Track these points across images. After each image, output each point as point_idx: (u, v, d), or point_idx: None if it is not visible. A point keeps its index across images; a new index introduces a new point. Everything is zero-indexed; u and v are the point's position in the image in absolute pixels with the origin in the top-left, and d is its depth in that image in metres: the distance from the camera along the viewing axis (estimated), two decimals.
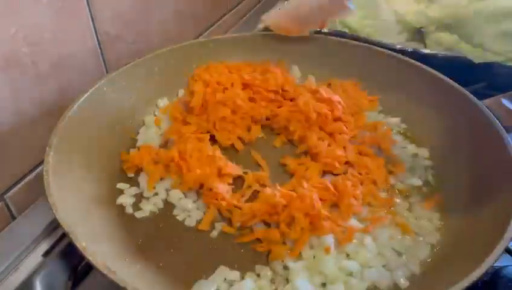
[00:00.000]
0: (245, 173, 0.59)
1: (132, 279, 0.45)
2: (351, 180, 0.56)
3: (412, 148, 0.64)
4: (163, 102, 0.71)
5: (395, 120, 0.68)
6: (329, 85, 0.72)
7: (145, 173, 0.59)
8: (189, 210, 0.56)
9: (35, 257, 0.57)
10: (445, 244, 0.51)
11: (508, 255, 0.50)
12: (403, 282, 0.47)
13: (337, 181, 0.56)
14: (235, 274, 0.48)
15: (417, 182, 0.59)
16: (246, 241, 0.52)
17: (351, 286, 0.47)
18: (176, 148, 0.59)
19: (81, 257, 0.43)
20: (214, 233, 0.53)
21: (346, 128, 0.63)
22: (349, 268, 0.48)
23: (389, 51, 0.72)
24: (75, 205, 0.51)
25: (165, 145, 0.64)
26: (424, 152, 0.63)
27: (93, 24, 0.66)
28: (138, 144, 0.64)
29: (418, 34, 0.89)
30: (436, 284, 0.45)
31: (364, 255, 0.49)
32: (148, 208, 0.56)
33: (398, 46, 0.78)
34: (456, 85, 0.63)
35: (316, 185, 0.55)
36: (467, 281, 0.39)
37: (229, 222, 0.54)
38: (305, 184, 0.54)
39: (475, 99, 0.61)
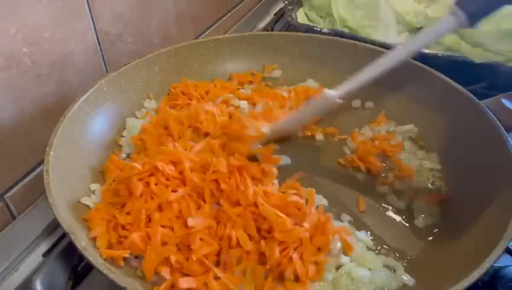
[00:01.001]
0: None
1: (132, 279, 0.45)
2: None
3: (408, 145, 0.64)
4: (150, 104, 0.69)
5: (409, 127, 0.67)
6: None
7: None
8: None
9: (35, 257, 0.57)
10: (446, 244, 0.51)
11: (508, 255, 0.50)
12: (406, 279, 0.47)
13: None
14: None
15: (422, 183, 0.59)
16: None
17: None
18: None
19: (81, 257, 0.43)
20: None
21: None
22: (360, 276, 0.47)
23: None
24: (75, 205, 0.51)
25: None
26: (422, 152, 0.63)
27: (93, 24, 0.66)
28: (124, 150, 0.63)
29: None
30: (436, 284, 0.45)
31: (367, 257, 0.49)
32: None
33: None
34: (456, 85, 0.63)
35: None
36: (467, 281, 0.39)
37: None
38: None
39: (475, 99, 0.61)
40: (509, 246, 0.43)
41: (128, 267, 0.47)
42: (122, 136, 0.64)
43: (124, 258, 0.47)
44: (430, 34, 0.57)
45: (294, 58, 0.77)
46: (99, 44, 0.68)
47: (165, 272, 0.45)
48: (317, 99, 0.60)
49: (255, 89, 0.73)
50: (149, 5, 0.77)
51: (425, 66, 0.67)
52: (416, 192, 0.58)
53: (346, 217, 0.55)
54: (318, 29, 0.86)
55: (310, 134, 0.68)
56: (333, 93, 0.57)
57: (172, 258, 0.45)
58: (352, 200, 0.57)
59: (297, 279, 0.46)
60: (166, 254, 0.46)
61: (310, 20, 0.97)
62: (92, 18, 0.65)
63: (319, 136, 0.67)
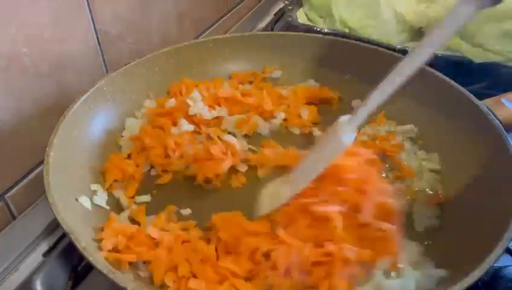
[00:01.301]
0: None
1: (132, 279, 0.45)
2: None
3: (408, 145, 0.65)
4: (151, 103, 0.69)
5: (409, 127, 0.67)
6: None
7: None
8: None
9: (35, 257, 0.57)
10: (446, 244, 0.51)
11: (508, 255, 0.50)
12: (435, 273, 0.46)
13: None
14: None
15: (423, 184, 0.59)
16: None
17: None
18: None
19: (81, 257, 0.43)
20: None
21: None
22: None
23: (389, 51, 0.72)
24: (75, 205, 0.51)
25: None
26: (423, 152, 0.63)
27: (93, 24, 0.66)
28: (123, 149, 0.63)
29: (418, 34, 0.89)
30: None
31: None
32: None
33: (398, 46, 0.78)
34: (456, 85, 0.63)
35: None
36: (467, 281, 0.39)
37: None
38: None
39: (475, 99, 0.61)
40: (509, 246, 0.43)
41: (128, 268, 0.47)
42: (122, 136, 0.64)
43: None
44: (451, 24, 0.42)
45: (294, 58, 0.77)
46: (99, 44, 0.68)
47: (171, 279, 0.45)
48: (328, 144, 0.48)
49: (254, 86, 0.74)
50: (149, 5, 0.76)
51: (425, 66, 0.67)
52: (416, 193, 0.58)
53: None
54: (318, 29, 0.86)
55: (307, 132, 0.68)
56: (346, 138, 0.46)
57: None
58: None
59: None
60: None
61: (310, 20, 0.97)
62: (92, 18, 0.65)
63: (316, 132, 0.68)
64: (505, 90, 0.70)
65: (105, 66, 0.71)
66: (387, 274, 0.46)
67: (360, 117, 0.46)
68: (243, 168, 0.61)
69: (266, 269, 0.45)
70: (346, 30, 0.89)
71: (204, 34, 0.96)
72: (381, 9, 0.87)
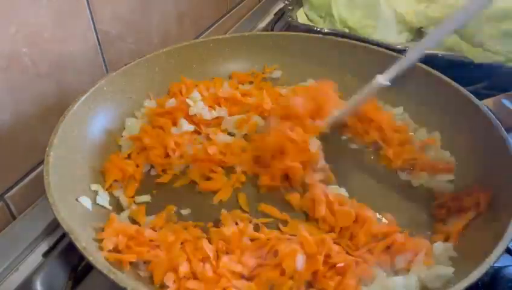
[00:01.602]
0: None
1: (132, 279, 0.45)
2: None
3: None
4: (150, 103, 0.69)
5: (397, 110, 0.68)
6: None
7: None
8: None
9: (35, 257, 0.57)
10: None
11: (508, 255, 0.50)
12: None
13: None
14: None
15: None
16: None
17: None
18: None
19: (81, 257, 0.43)
20: None
21: None
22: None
23: (389, 51, 0.72)
24: (75, 205, 0.51)
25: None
26: None
27: (93, 24, 0.66)
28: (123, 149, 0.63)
29: (418, 34, 0.89)
30: None
31: None
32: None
33: (398, 46, 0.78)
34: (456, 85, 0.63)
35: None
36: (467, 281, 0.39)
37: None
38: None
39: (475, 99, 0.61)
40: (509, 246, 0.43)
41: (129, 268, 0.47)
42: (122, 136, 0.64)
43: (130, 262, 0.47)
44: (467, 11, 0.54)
45: (294, 58, 0.77)
46: (99, 44, 0.68)
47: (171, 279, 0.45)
48: (367, 86, 0.61)
49: (254, 86, 0.74)
50: (149, 5, 0.76)
51: (426, 66, 0.67)
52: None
53: None
54: (318, 29, 0.86)
55: None
56: (382, 78, 0.59)
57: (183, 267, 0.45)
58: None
59: None
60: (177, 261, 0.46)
61: (310, 20, 0.97)
62: (92, 18, 0.65)
63: None
64: (505, 90, 0.70)
65: (105, 66, 0.71)
66: (390, 273, 0.47)
67: (394, 70, 0.59)
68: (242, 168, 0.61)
69: (270, 267, 0.46)
70: (346, 30, 0.89)
71: (204, 34, 0.96)
72: (381, 9, 0.87)
